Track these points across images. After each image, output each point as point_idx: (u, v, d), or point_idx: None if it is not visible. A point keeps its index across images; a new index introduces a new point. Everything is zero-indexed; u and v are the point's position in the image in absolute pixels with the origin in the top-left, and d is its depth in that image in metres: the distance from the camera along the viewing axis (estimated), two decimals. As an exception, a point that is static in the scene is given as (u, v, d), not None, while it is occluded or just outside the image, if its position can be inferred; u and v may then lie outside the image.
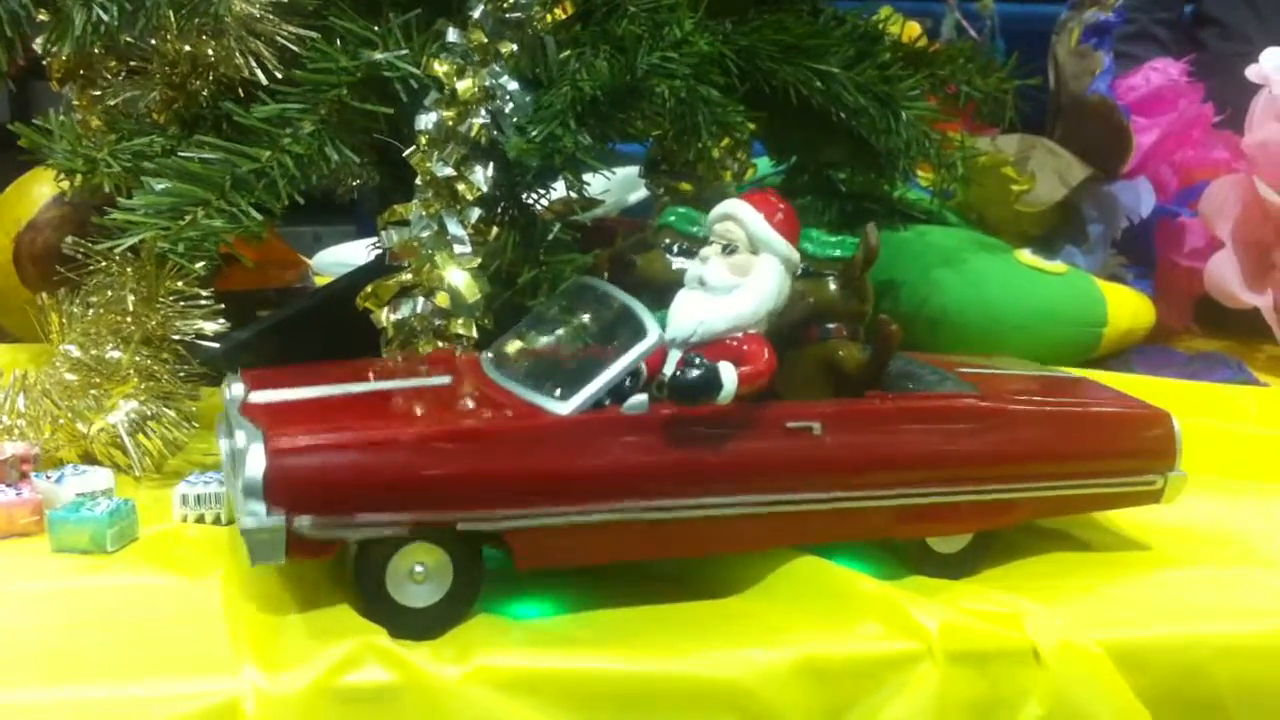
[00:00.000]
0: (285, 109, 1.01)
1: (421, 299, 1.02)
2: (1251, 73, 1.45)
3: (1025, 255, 1.38)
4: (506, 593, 0.84)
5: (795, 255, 0.87)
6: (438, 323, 1.02)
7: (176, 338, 1.08)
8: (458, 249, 1.00)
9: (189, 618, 0.83)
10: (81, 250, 1.08)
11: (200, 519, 0.99)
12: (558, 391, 0.83)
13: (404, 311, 1.02)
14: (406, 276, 1.02)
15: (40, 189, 1.34)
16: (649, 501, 0.82)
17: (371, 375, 0.92)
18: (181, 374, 1.09)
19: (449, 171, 1.00)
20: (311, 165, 1.01)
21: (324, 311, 1.36)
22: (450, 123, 1.01)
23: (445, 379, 0.89)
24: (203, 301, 1.09)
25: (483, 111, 1.01)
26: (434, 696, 0.76)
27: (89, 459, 1.09)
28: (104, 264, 1.08)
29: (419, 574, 0.80)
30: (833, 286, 0.91)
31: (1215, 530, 0.98)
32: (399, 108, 1.03)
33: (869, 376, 0.88)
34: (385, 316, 1.03)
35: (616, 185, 1.73)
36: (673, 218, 0.96)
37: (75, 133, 1.06)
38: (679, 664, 0.78)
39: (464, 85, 1.01)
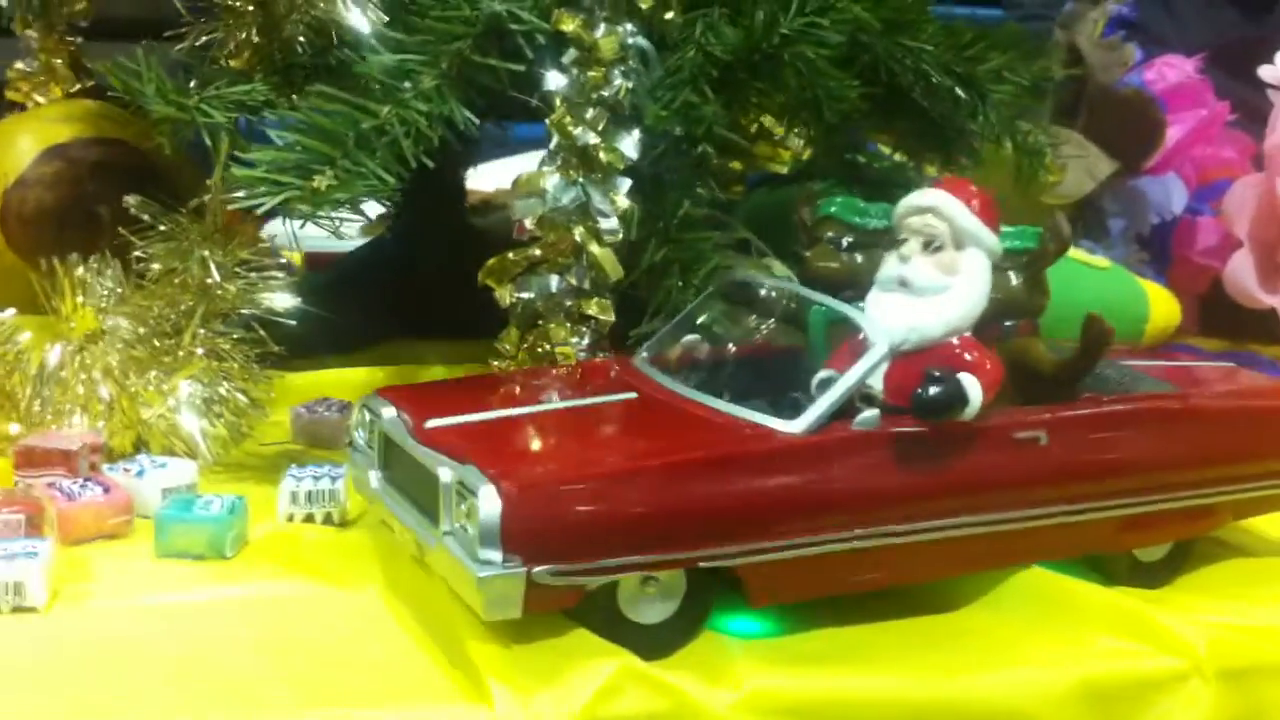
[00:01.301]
0: (405, 61, 0.91)
1: (554, 277, 0.92)
2: (1266, 73, 1.46)
3: (1072, 248, 1.35)
4: (721, 609, 0.76)
5: (1000, 247, 0.81)
6: (568, 303, 0.93)
7: (248, 312, 0.96)
8: (603, 223, 0.91)
9: (380, 636, 0.73)
10: (147, 211, 0.94)
11: (310, 518, 0.88)
12: (779, 409, 0.75)
13: (533, 290, 0.92)
14: (535, 252, 0.93)
15: (24, 140, 1.18)
16: (885, 526, 0.75)
17: (540, 392, 0.82)
18: (255, 354, 0.97)
19: (592, 138, 0.91)
20: (436, 123, 0.90)
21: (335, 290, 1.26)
22: (591, 84, 0.92)
23: (629, 394, 0.80)
24: (275, 272, 0.97)
25: (619, 73, 0.92)
26: (705, 725, 0.68)
27: (140, 447, 0.96)
28: (163, 227, 0.96)
29: (651, 589, 0.72)
30: (1014, 281, 0.85)
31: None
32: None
33: (1070, 378, 0.83)
34: (509, 294, 0.93)
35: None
36: (835, 208, 0.87)
37: (163, 76, 0.92)
38: (952, 687, 0.72)
39: (607, 43, 0.92)
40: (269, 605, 0.77)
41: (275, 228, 1.28)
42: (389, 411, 0.80)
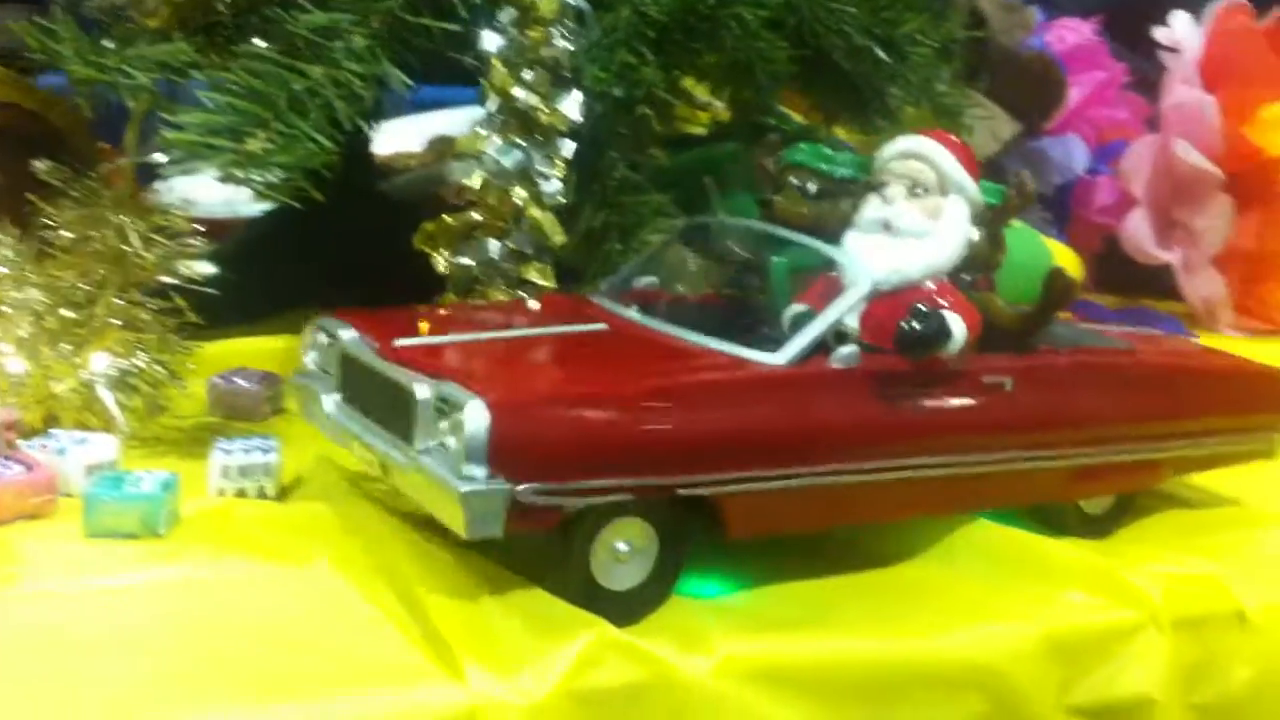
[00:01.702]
0: (335, 19, 0.87)
1: (494, 241, 0.90)
2: (1162, 35, 1.49)
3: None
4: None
5: (981, 198, 0.81)
6: (507, 268, 0.91)
7: (166, 280, 0.92)
8: (545, 186, 0.89)
9: (336, 614, 0.71)
10: (57, 176, 0.90)
11: (242, 493, 0.85)
12: (759, 342, 0.75)
13: (473, 255, 0.90)
14: (474, 216, 0.90)
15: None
16: (860, 463, 0.75)
17: (506, 319, 0.81)
18: (172, 324, 0.93)
19: (533, 99, 0.89)
20: (370, 84, 0.87)
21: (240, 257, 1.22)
22: (531, 45, 0.89)
23: (598, 325, 0.79)
24: (193, 240, 0.94)
25: (559, 33, 0.90)
26: (685, 693, 0.67)
27: (51, 422, 0.92)
28: (74, 194, 0.91)
29: (623, 553, 0.71)
30: (975, 235, 0.85)
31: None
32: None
33: (1030, 330, 0.83)
34: (446, 260, 0.91)
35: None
36: (801, 155, 0.88)
37: (82, 37, 0.87)
38: (921, 645, 0.72)
39: (546, 1, 0.89)
40: (213, 585, 0.73)
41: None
42: (348, 332, 0.78)
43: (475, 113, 1.70)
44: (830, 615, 0.74)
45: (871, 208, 0.81)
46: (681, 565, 0.73)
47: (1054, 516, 0.85)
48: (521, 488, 0.66)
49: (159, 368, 0.92)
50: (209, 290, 0.92)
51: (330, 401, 0.78)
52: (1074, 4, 1.69)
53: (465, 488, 0.65)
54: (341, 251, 1.24)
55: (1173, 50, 1.48)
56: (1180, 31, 1.48)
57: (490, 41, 0.90)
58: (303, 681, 0.63)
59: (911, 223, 0.79)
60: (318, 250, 1.24)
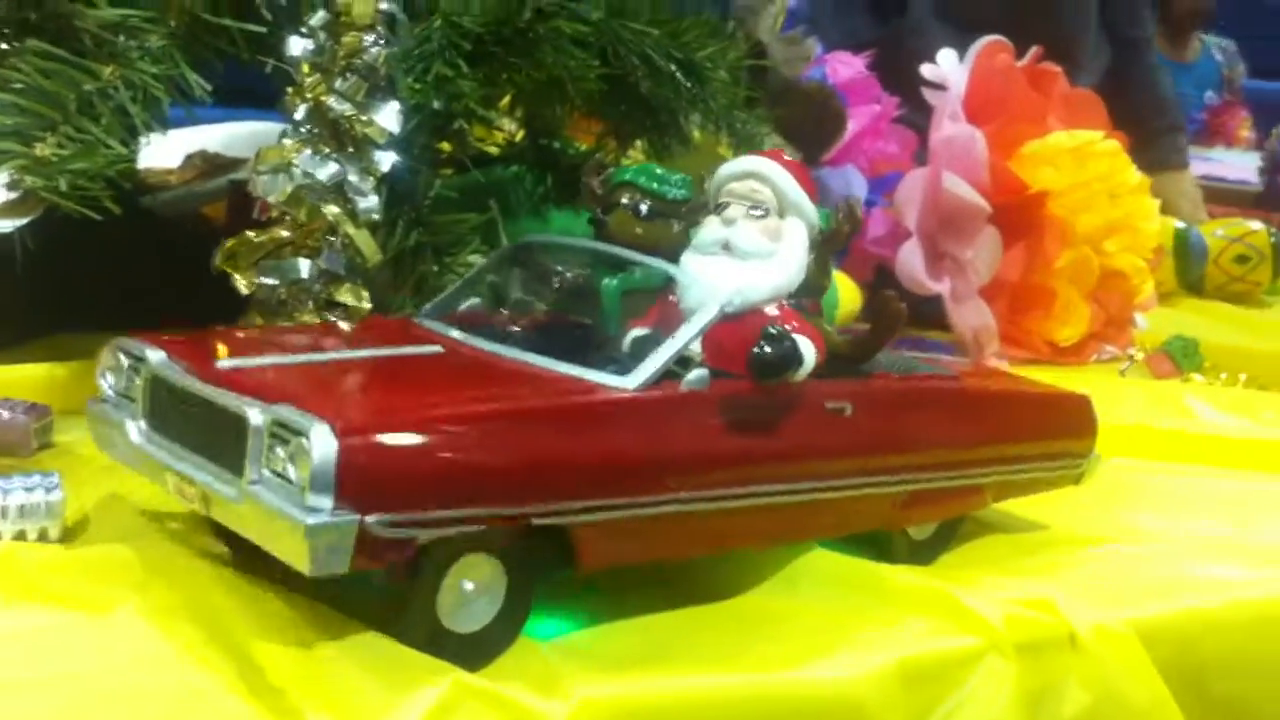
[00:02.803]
0: (127, 15, 0.80)
1: (304, 261, 0.84)
2: (929, 72, 1.53)
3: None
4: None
5: (818, 220, 0.80)
6: (317, 289, 0.85)
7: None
8: (360, 202, 0.84)
9: (155, 665, 0.64)
10: None
11: (21, 535, 0.77)
12: (606, 365, 0.72)
13: (280, 275, 0.84)
14: (283, 233, 0.85)
15: None
16: (711, 490, 0.73)
17: (329, 342, 0.75)
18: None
19: (347, 109, 0.83)
20: (166, 87, 0.81)
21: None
22: (345, 50, 0.84)
23: (432, 348, 0.75)
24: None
25: (374, 40, 0.85)
26: (545, 739, 0.62)
27: None
28: None
29: (470, 593, 0.66)
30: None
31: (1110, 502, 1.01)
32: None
33: (862, 356, 0.83)
34: (249, 281, 0.84)
35: (245, 142, 1.54)
36: (630, 174, 0.85)
37: None
38: (775, 679, 0.69)
39: (361, 5, 0.84)
40: (8, 639, 0.66)
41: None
42: (157, 354, 0.71)
43: (235, 129, 1.63)
44: (679, 651, 0.71)
45: (711, 228, 0.79)
46: (529, 605, 0.69)
47: (883, 543, 0.85)
48: (371, 519, 0.61)
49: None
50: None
51: (136, 430, 0.71)
52: (842, 38, 1.73)
53: (310, 520, 0.60)
54: (103, 271, 1.16)
55: (939, 87, 1.52)
56: (947, 68, 1.52)
57: (298, 46, 0.84)
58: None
59: (753, 244, 0.77)
60: (78, 270, 1.14)
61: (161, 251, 1.19)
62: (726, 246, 0.78)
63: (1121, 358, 1.52)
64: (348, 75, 0.84)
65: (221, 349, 0.71)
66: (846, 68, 1.55)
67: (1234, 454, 1.17)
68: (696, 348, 0.75)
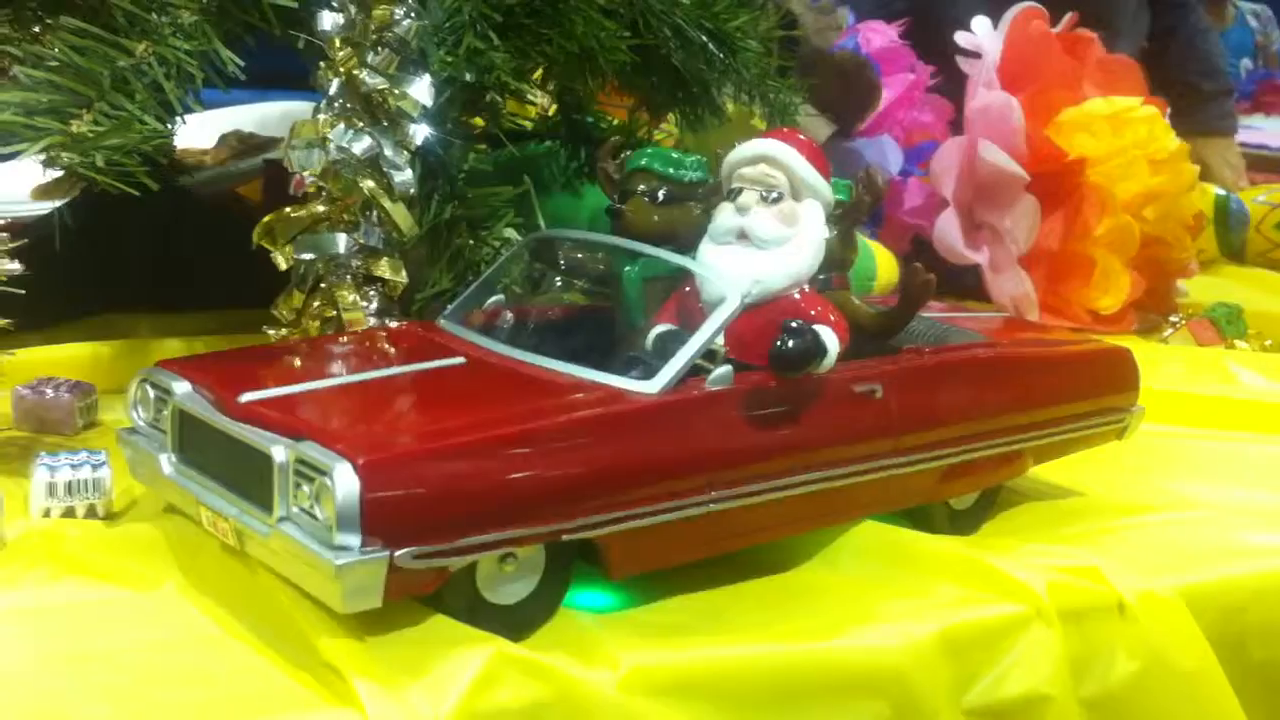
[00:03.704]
0: (159, -9, 0.80)
1: (341, 235, 0.84)
2: (963, 39, 1.51)
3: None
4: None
5: (833, 198, 0.79)
6: (355, 264, 0.85)
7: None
8: (396, 176, 0.84)
9: (199, 641, 0.65)
10: None
11: (70, 512, 0.77)
12: (628, 368, 0.71)
13: (317, 250, 0.84)
14: (319, 208, 0.84)
15: None
16: (741, 486, 0.72)
17: (351, 360, 0.75)
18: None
19: (380, 82, 0.83)
20: (199, 62, 0.81)
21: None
22: (376, 24, 0.84)
23: (455, 359, 0.74)
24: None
25: (405, 12, 0.85)
26: (591, 708, 0.63)
27: None
28: None
29: (509, 567, 0.66)
30: (828, 233, 0.84)
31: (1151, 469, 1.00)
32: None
33: (891, 330, 0.82)
34: (288, 256, 0.84)
35: (278, 121, 1.55)
36: (645, 160, 0.84)
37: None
38: (819, 648, 0.69)
39: (392, -23, 0.84)
40: (54, 614, 0.66)
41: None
42: (182, 386, 0.70)
43: (268, 109, 1.63)
44: (723, 623, 0.71)
45: (725, 216, 0.77)
46: (569, 579, 0.69)
47: (923, 514, 0.84)
48: (400, 553, 0.61)
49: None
50: (14, 291, 0.84)
51: (167, 463, 0.71)
52: (875, 8, 1.71)
53: (340, 560, 0.60)
54: (145, 251, 1.16)
55: (974, 55, 1.50)
56: (981, 36, 1.51)
57: (329, 20, 0.84)
58: (194, 714, 0.57)
59: (769, 231, 0.76)
60: (120, 249, 1.15)
61: (199, 230, 1.20)
62: (742, 235, 0.76)
63: (1163, 325, 1.50)
64: (379, 49, 0.83)
65: (245, 376, 0.70)
66: (879, 37, 1.54)
67: (1278, 420, 1.16)
68: (720, 340, 0.74)
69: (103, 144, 0.71)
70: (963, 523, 0.85)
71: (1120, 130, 1.51)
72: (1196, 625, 0.79)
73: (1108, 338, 1.46)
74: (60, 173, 0.98)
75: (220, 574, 0.70)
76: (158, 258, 1.16)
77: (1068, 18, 1.57)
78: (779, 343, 0.71)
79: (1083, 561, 0.79)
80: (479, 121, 1.20)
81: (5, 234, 0.87)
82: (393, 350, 0.76)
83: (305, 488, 0.61)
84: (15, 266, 0.84)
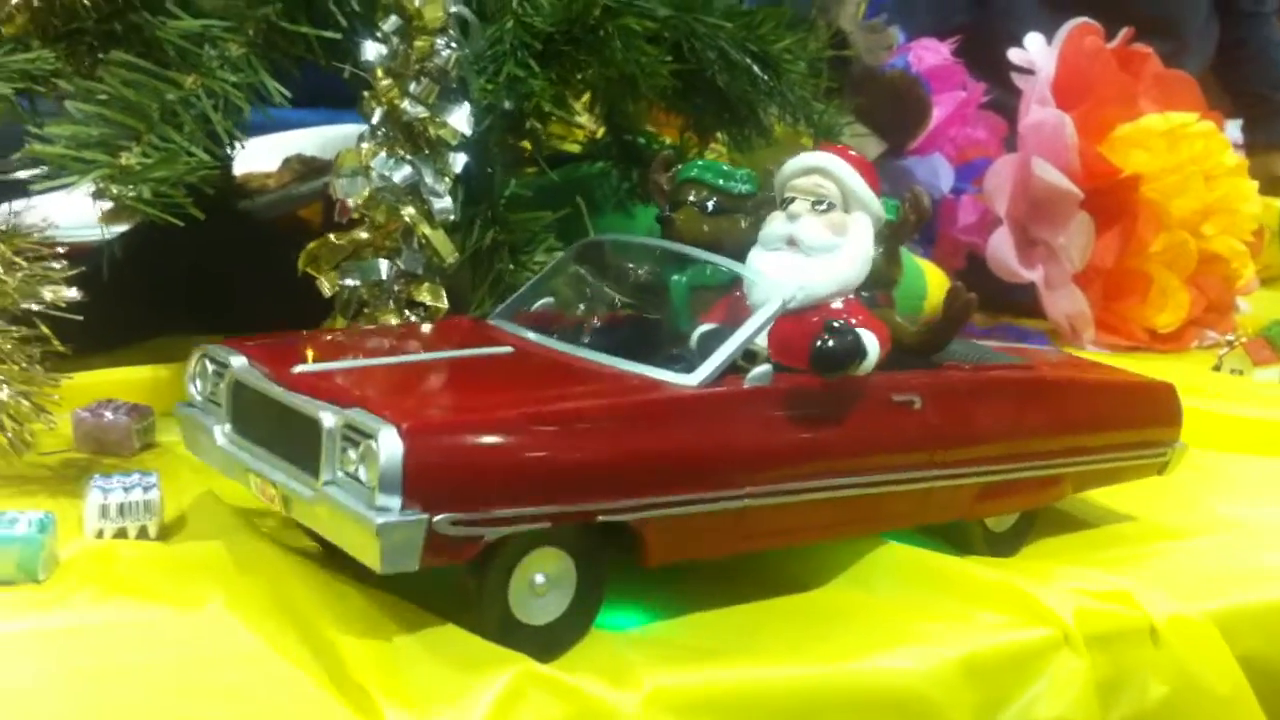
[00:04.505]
0: (208, 25, 0.83)
1: (383, 261, 0.86)
2: (1016, 56, 1.51)
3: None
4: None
5: (883, 213, 0.80)
6: (397, 289, 0.87)
7: (33, 307, 0.87)
8: (435, 203, 0.86)
9: (235, 659, 0.66)
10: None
11: (122, 533, 0.80)
12: (670, 362, 0.73)
13: (360, 276, 0.86)
14: (361, 235, 0.87)
15: None
16: (776, 485, 0.73)
17: (403, 344, 0.78)
18: (36, 354, 0.87)
19: (421, 111, 0.85)
20: (246, 95, 0.83)
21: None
22: (417, 54, 0.86)
23: (503, 348, 0.76)
24: (56, 264, 0.88)
25: (445, 43, 0.87)
26: (613, 729, 0.64)
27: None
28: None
29: (541, 586, 0.68)
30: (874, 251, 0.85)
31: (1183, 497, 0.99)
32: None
33: (932, 347, 0.83)
34: (332, 282, 0.87)
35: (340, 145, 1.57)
36: (696, 171, 0.86)
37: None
38: (844, 671, 0.70)
39: (431, 10, 0.86)
40: (99, 632, 0.69)
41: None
42: (239, 360, 0.74)
43: (330, 132, 1.66)
44: (751, 643, 0.72)
45: (776, 224, 0.79)
46: (601, 597, 0.70)
47: (960, 535, 0.85)
48: (438, 518, 0.63)
49: (23, 401, 0.86)
50: (73, 317, 0.87)
51: (221, 433, 0.74)
52: (911, 27, 1.71)
53: (380, 519, 0.62)
54: (205, 275, 1.19)
55: (1027, 71, 1.50)
56: (1034, 52, 1.50)
57: (372, 51, 0.86)
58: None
59: (817, 238, 0.78)
60: (180, 274, 1.18)
61: (260, 254, 1.22)
62: (791, 242, 0.78)
63: (1221, 343, 1.49)
64: (420, 79, 0.86)
65: (300, 353, 0.73)
66: (931, 54, 1.54)
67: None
68: (763, 343, 0.76)
69: (150, 176, 0.73)
70: (1000, 545, 0.86)
71: (1176, 146, 1.50)
72: (1229, 650, 0.79)
73: (1164, 357, 1.47)
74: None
75: (264, 594, 0.72)
76: (219, 281, 1.19)
77: (1123, 33, 1.57)
78: (820, 340, 0.73)
79: (1115, 586, 0.79)
80: (527, 146, 1.22)
81: (64, 261, 0.90)
82: (442, 338, 0.80)
83: (351, 452, 0.64)
84: (73, 293, 0.87)
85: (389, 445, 0.62)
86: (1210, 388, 1.27)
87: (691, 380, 0.71)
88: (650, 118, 1.35)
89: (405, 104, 0.85)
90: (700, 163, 0.87)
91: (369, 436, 0.63)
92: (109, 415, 0.94)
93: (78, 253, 1.26)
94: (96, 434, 0.94)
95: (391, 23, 0.86)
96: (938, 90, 1.51)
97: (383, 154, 0.85)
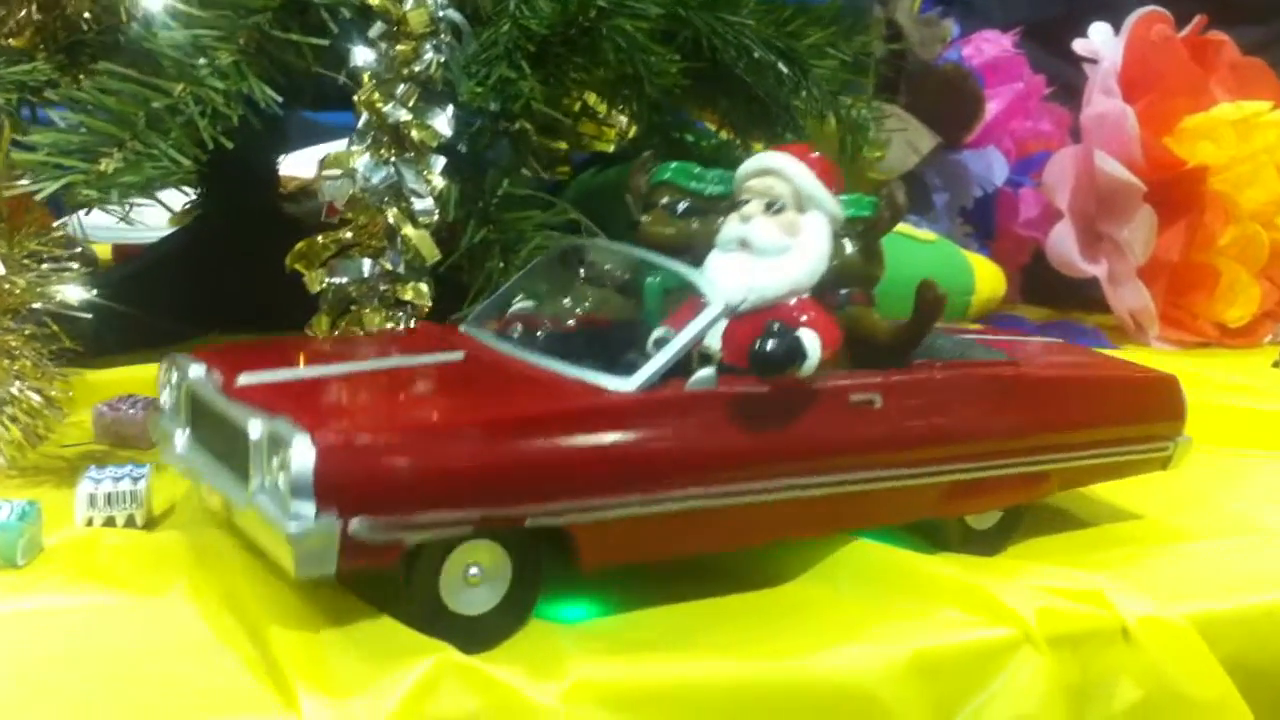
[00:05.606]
0: (198, 35, 0.85)
1: (367, 261, 0.88)
2: (1080, 46, 1.48)
3: (898, 222, 1.35)
4: (545, 594, 0.73)
5: (841, 212, 0.80)
6: (383, 288, 0.89)
7: (40, 307, 0.91)
8: (417, 204, 0.87)
9: (180, 647, 0.69)
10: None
11: (110, 521, 0.83)
12: (612, 367, 0.73)
13: (345, 275, 0.88)
14: (346, 235, 0.89)
15: None
16: (717, 487, 0.73)
17: (362, 352, 0.79)
18: (48, 351, 0.91)
19: (403, 115, 0.87)
20: (235, 101, 0.85)
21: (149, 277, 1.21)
22: (401, 59, 0.88)
23: (454, 355, 0.77)
24: (68, 264, 0.92)
25: (431, 47, 0.89)
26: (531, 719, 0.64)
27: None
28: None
29: (474, 577, 0.69)
30: (850, 249, 0.84)
31: (1197, 496, 0.97)
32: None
33: (905, 345, 0.81)
34: (319, 280, 0.89)
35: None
36: (669, 173, 0.85)
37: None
38: (784, 668, 0.69)
39: (416, 16, 0.88)
40: (61, 616, 0.71)
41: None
42: (196, 369, 0.76)
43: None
44: (694, 638, 0.72)
45: (730, 226, 0.79)
46: (537, 589, 0.71)
47: (937, 533, 0.83)
48: (354, 524, 0.64)
49: (35, 395, 0.90)
50: (85, 315, 0.91)
51: (180, 439, 0.76)
52: (999, 16, 1.68)
53: (292, 526, 0.63)
54: (244, 277, 1.23)
55: (1092, 61, 1.47)
56: (1099, 42, 1.47)
57: (362, 57, 0.88)
58: (139, 715, 0.61)
59: (768, 240, 0.77)
60: (220, 275, 1.22)
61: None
62: (744, 243, 0.78)
63: (1280, 340, 1.44)
64: (404, 83, 0.87)
65: (256, 361, 0.74)
66: (992, 46, 1.52)
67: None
68: (717, 346, 0.76)
69: (118, 181, 0.76)
70: (981, 543, 0.84)
71: (1248, 136, 1.46)
72: (1211, 653, 0.76)
73: (1235, 352, 1.42)
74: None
75: (222, 585, 0.74)
76: (265, 282, 1.22)
77: (1195, 21, 1.52)
78: (757, 342, 0.72)
79: (1086, 585, 0.77)
80: (563, 145, 1.23)
81: (82, 263, 0.94)
82: (403, 345, 0.81)
83: (275, 460, 0.66)
84: (86, 294, 0.91)
85: (301, 452, 0.63)
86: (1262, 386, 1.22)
87: (629, 385, 0.71)
88: (703, 116, 1.35)
89: (388, 107, 0.87)
90: (674, 165, 0.86)
91: (285, 445, 0.64)
92: (127, 409, 0.98)
93: (127, 254, 1.32)
94: (116, 428, 0.98)
95: (377, 29, 0.88)
96: (996, 83, 1.49)
97: (366, 156, 0.87)
